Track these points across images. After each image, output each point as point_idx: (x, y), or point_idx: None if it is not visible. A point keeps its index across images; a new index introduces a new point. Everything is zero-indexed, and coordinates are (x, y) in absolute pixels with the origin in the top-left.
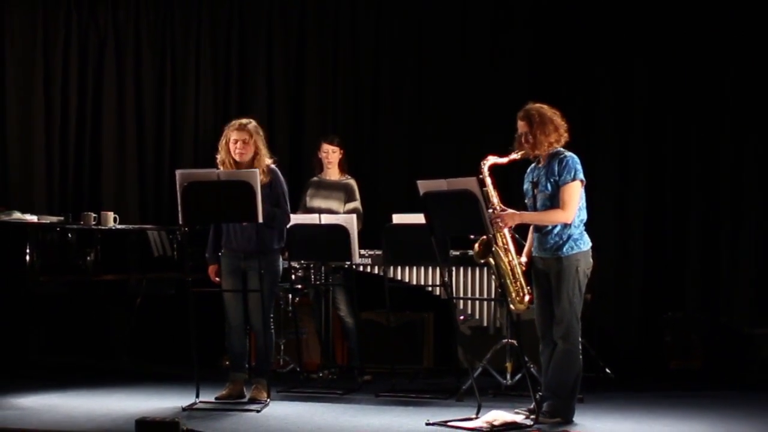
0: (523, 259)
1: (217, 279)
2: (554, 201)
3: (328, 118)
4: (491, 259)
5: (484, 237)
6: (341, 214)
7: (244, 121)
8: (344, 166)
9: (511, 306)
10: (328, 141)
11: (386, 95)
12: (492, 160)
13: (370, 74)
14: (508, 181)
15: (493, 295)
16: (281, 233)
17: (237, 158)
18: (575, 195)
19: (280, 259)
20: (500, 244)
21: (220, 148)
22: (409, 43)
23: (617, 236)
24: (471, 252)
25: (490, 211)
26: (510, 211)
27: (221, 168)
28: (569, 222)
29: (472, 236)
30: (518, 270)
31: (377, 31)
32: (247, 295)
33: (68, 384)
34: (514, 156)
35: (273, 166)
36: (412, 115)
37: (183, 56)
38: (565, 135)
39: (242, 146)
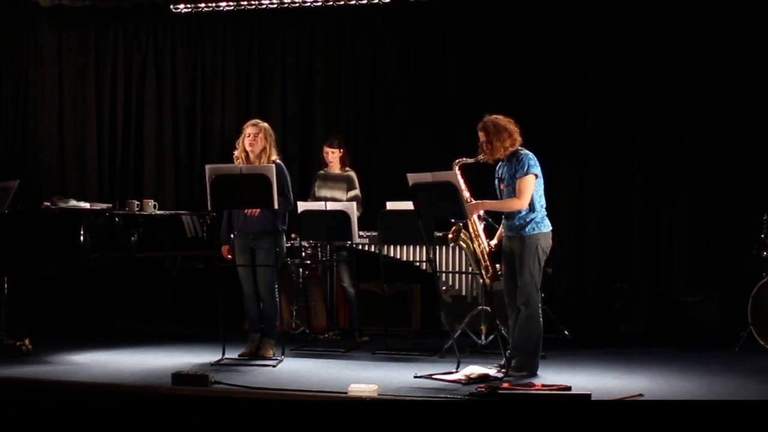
0: (494, 242)
1: (230, 256)
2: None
3: (332, 121)
4: (461, 243)
5: (455, 226)
6: (344, 202)
7: (259, 120)
8: (346, 161)
9: (480, 280)
10: (328, 144)
11: (381, 102)
12: (461, 161)
13: (367, 85)
14: (486, 175)
15: (470, 270)
16: (284, 217)
17: (248, 148)
18: (528, 186)
19: (284, 238)
20: (471, 230)
21: (237, 145)
22: (401, 61)
23: (574, 219)
24: (449, 236)
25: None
26: (475, 201)
27: (237, 162)
28: (523, 208)
29: (452, 220)
30: (486, 252)
31: (374, 48)
32: (256, 269)
33: (115, 343)
34: (480, 157)
35: (279, 161)
36: (403, 120)
37: (211, 69)
38: (519, 138)
39: (253, 138)
